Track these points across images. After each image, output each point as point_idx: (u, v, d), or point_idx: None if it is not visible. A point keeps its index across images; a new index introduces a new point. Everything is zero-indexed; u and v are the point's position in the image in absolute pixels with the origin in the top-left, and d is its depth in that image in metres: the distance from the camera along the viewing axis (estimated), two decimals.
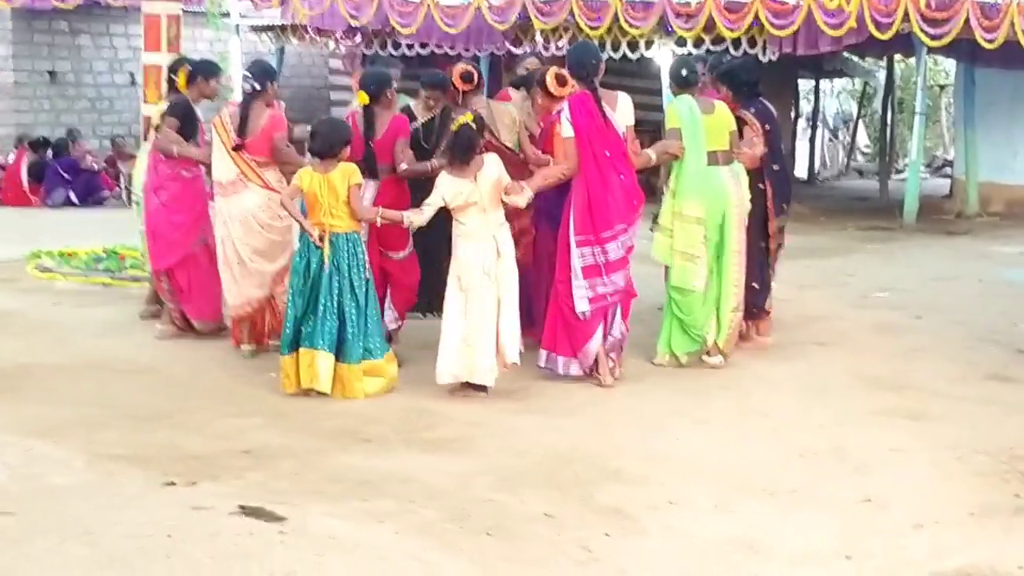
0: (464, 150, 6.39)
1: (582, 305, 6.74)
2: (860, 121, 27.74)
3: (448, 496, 4.93)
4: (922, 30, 13.24)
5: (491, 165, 6.48)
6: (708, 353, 7.36)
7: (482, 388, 6.56)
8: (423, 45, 15.76)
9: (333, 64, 20.92)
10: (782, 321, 8.77)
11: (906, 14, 13.13)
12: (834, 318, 9.02)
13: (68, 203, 16.52)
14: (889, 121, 20.96)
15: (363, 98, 7.03)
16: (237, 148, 7.26)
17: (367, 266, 6.58)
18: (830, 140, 28.06)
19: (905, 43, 14.82)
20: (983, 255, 12.95)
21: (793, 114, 24.25)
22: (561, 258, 6.81)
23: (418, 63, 16.15)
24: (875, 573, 4.27)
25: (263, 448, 5.57)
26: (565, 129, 6.74)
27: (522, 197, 6.52)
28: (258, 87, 7.36)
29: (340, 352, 6.46)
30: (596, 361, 6.85)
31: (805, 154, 24.49)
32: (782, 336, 8.24)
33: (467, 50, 15.84)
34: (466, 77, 7.44)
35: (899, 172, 22.46)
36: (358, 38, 16.90)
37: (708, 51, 13.43)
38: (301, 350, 6.45)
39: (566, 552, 4.38)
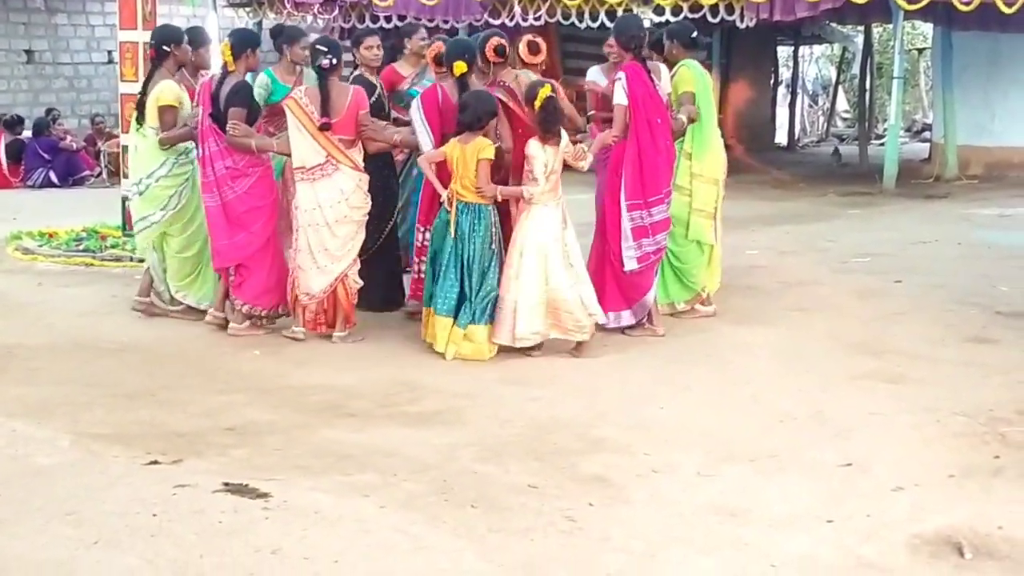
0: (553, 121, 6.70)
1: (630, 264, 7.12)
2: (839, 86, 27.77)
3: (432, 469, 4.96)
4: None
5: (563, 134, 6.81)
6: (702, 303, 7.74)
7: (580, 345, 6.86)
8: (401, 17, 15.70)
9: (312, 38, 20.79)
10: (762, 287, 8.84)
11: None
12: (814, 284, 9.06)
13: (48, 183, 16.43)
14: (868, 86, 20.99)
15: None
16: (324, 128, 6.91)
17: (495, 236, 6.80)
18: (810, 106, 28.11)
19: (882, 8, 14.83)
20: (962, 218, 13.01)
21: (772, 80, 24.30)
22: (612, 220, 7.13)
23: (395, 35, 16.13)
24: (856, 536, 4.30)
25: (247, 425, 5.59)
26: (619, 96, 7.02)
27: (585, 162, 6.90)
28: (335, 61, 7.00)
29: (452, 312, 6.76)
30: (649, 313, 7.27)
31: (785, 120, 24.52)
32: (762, 302, 8.30)
33: (445, 22, 15.80)
34: (499, 51, 7.29)
35: (879, 137, 22.51)
36: (336, 11, 16.83)
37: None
38: (428, 309, 6.84)
39: (551, 522, 4.40)
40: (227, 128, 7.06)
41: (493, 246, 6.80)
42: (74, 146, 16.99)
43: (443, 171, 6.87)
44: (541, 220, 6.75)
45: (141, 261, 8.02)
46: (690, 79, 7.49)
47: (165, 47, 7.59)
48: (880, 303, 8.35)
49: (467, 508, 4.53)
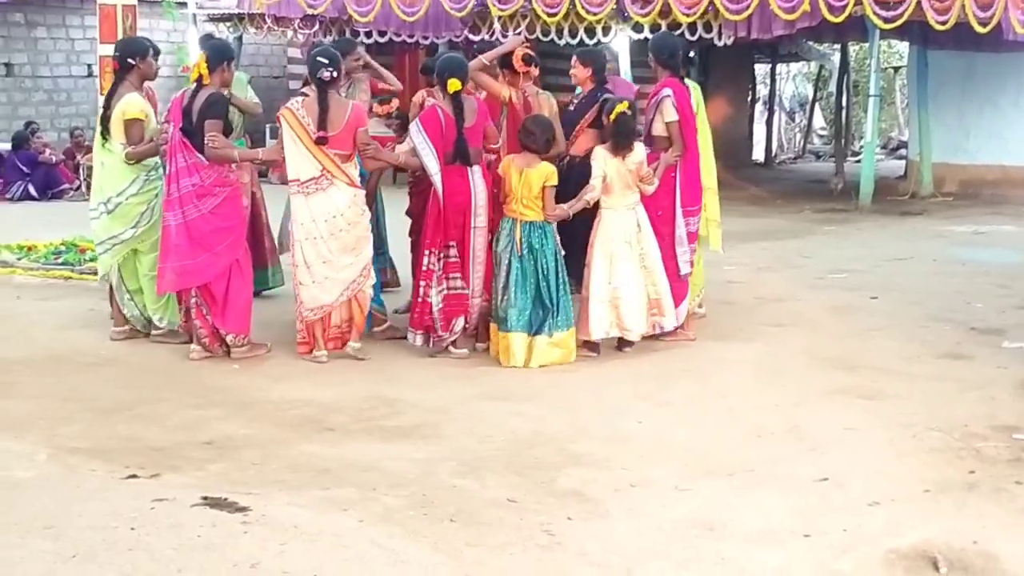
0: (626, 135, 7.07)
1: (685, 268, 7.49)
2: (816, 104, 27.94)
3: (410, 483, 4.96)
4: (875, 13, 13.37)
5: (639, 150, 7.16)
6: (700, 305, 8.12)
7: (628, 343, 7.31)
8: (381, 33, 15.74)
9: (291, 53, 20.83)
10: (739, 303, 8.89)
11: None
12: (791, 299, 9.12)
13: (27, 196, 16.38)
14: (844, 103, 21.14)
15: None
16: (319, 142, 6.83)
17: (559, 249, 7.09)
18: (787, 123, 28.27)
19: (859, 27, 14.95)
20: (937, 235, 13.11)
21: (750, 98, 24.44)
22: (665, 229, 7.40)
23: (376, 51, 16.17)
24: (832, 550, 4.33)
25: (225, 439, 5.58)
26: (669, 113, 7.33)
27: (652, 186, 7.23)
28: (336, 75, 6.93)
29: (530, 325, 7.02)
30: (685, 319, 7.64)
31: (763, 137, 24.65)
32: (739, 318, 8.35)
33: (425, 38, 15.86)
34: (527, 60, 7.51)
35: (855, 154, 22.64)
36: (316, 27, 16.85)
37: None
38: (499, 331, 7.06)
39: (529, 536, 4.41)
40: (206, 141, 6.95)
41: (560, 255, 7.11)
42: (53, 159, 16.93)
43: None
44: (610, 224, 7.16)
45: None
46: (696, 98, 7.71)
47: (130, 59, 7.38)
48: (856, 319, 8.41)
49: (446, 522, 4.53)
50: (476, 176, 7.05)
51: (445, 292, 7.08)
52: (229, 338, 7.12)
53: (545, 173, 6.99)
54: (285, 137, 6.95)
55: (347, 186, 6.94)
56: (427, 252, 7.11)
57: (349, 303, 7.05)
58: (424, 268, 7.13)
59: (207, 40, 9.10)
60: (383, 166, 7.45)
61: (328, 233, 6.91)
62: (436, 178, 7.00)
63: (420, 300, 7.15)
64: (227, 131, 7.17)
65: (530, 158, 7.02)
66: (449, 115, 6.98)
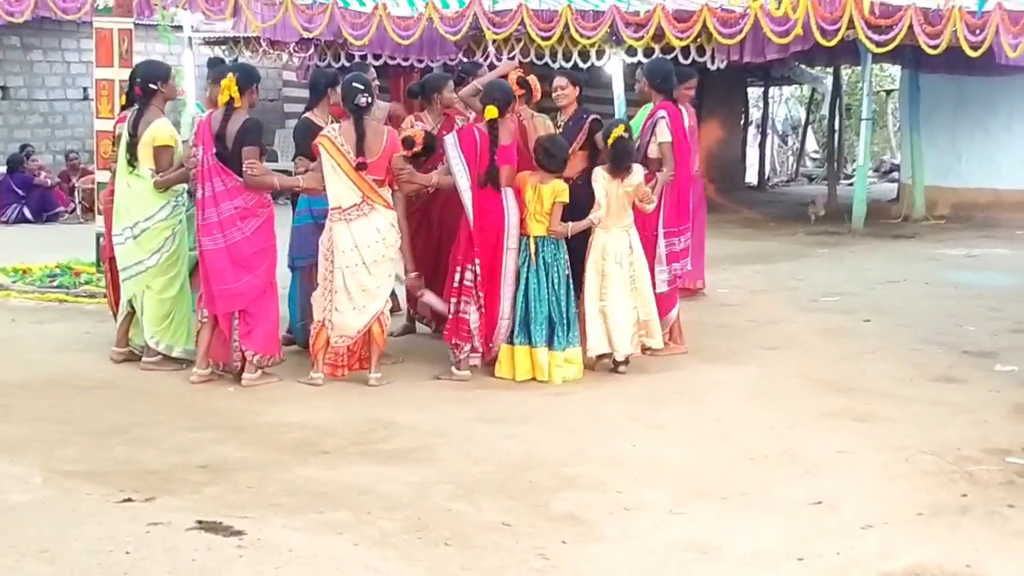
0: (622, 157, 7.25)
1: (661, 287, 7.71)
2: (809, 127, 28.04)
3: (405, 507, 4.98)
4: (867, 37, 13.43)
5: (637, 172, 7.35)
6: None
7: (624, 363, 7.41)
8: (376, 56, 15.79)
9: (287, 76, 20.90)
10: (733, 326, 8.91)
11: (851, 21, 13.31)
12: (784, 322, 9.15)
13: (22, 219, 16.39)
14: (837, 127, 21.22)
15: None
16: (360, 168, 6.84)
17: (567, 264, 7.26)
18: (779, 146, 28.34)
19: (851, 51, 15.03)
20: (929, 258, 13.16)
21: (743, 121, 24.53)
22: (646, 248, 7.61)
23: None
24: (825, 574, 4.34)
25: (220, 462, 5.59)
26: (663, 134, 7.70)
27: (651, 205, 7.48)
28: (371, 100, 6.93)
29: (548, 341, 7.19)
30: (672, 331, 7.88)
31: (755, 160, 24.72)
32: (733, 341, 8.37)
33: (420, 61, 15.91)
34: (521, 83, 7.59)
35: (848, 177, 22.72)
36: (311, 50, 16.91)
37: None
38: (517, 347, 7.18)
39: (524, 560, 4.43)
40: (244, 167, 6.87)
41: (567, 271, 7.26)
42: (48, 182, 16.97)
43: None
44: (603, 244, 7.32)
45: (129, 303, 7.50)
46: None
47: (152, 84, 7.35)
48: (849, 342, 8.44)
49: (441, 546, 4.55)
50: (509, 198, 7.16)
51: (482, 310, 7.19)
52: (256, 359, 7.05)
53: (557, 189, 7.17)
54: (324, 165, 6.91)
55: (386, 209, 6.99)
56: (458, 269, 7.20)
57: (370, 331, 7.06)
58: (459, 284, 7.20)
59: (216, 63, 9.07)
60: (418, 189, 7.48)
61: (371, 259, 6.93)
62: (466, 196, 7.09)
63: (454, 315, 7.21)
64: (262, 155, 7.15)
65: (544, 175, 7.19)
66: (485, 136, 7.08)
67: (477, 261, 7.14)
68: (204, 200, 6.99)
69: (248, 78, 7.13)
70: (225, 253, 6.99)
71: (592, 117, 7.66)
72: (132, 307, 7.47)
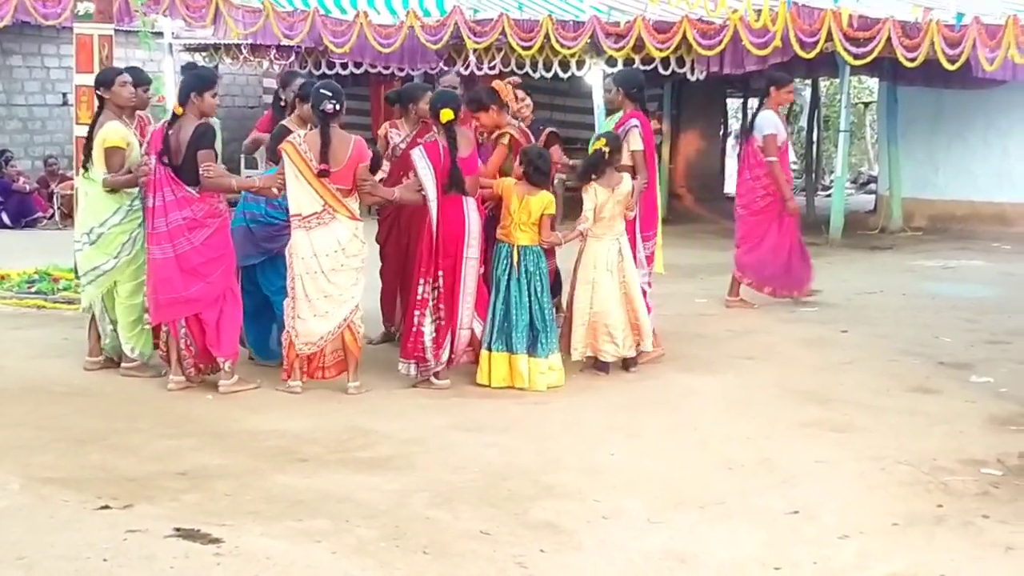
0: (596, 167, 7.45)
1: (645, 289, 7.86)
2: (787, 138, 28.12)
3: (384, 515, 4.98)
4: (845, 49, 13.51)
5: (627, 181, 7.57)
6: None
7: (604, 367, 7.58)
8: (357, 64, 15.79)
9: (267, 83, 20.87)
10: (711, 335, 8.95)
11: (829, 34, 13.40)
12: (762, 332, 9.18)
13: (0, 225, 16.31)
14: (815, 138, 21.32)
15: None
16: (321, 175, 6.80)
17: (547, 273, 7.43)
18: None
19: (829, 63, 15.11)
20: (906, 269, 13.24)
21: (722, 132, 24.60)
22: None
23: (352, 82, 16.23)
24: None
25: (199, 469, 5.58)
26: (635, 142, 7.88)
27: (632, 212, 7.69)
28: (339, 107, 6.86)
29: (529, 348, 7.25)
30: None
31: (734, 171, 24.77)
32: (711, 350, 8.41)
33: (401, 69, 15.92)
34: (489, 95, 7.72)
35: (825, 188, 22.81)
36: (292, 57, 16.90)
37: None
38: (495, 353, 7.22)
39: (502, 568, 4.44)
40: (201, 171, 6.86)
41: (547, 280, 7.41)
42: (27, 188, 16.91)
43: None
44: (594, 252, 7.52)
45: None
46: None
47: (97, 91, 7.39)
48: (827, 352, 8.48)
49: (419, 554, 4.55)
50: (470, 207, 7.12)
51: (438, 323, 7.14)
52: (227, 365, 7.06)
53: (545, 201, 7.29)
54: (287, 171, 6.89)
55: (348, 219, 6.93)
56: (420, 282, 7.14)
57: (341, 334, 7.03)
58: (419, 297, 7.14)
59: (191, 67, 9.07)
60: (379, 201, 7.47)
61: (330, 268, 6.89)
62: (433, 205, 7.07)
63: (414, 330, 7.16)
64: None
65: (531, 187, 7.30)
66: (445, 145, 7.06)
67: (440, 273, 7.09)
68: (155, 209, 7.00)
69: (185, 88, 7.07)
70: (174, 263, 6.98)
71: (550, 130, 8.20)
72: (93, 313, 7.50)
